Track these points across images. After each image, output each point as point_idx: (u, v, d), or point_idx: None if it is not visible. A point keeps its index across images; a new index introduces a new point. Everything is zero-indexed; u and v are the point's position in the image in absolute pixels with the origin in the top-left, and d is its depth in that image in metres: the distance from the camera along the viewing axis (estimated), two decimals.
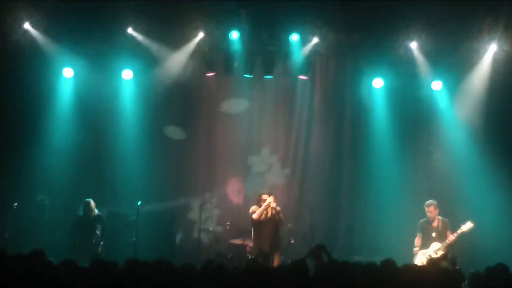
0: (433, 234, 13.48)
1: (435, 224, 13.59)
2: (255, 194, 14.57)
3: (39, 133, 15.62)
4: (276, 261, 13.06)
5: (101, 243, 14.07)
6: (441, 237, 13.35)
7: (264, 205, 13.39)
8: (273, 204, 13.38)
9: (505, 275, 8.11)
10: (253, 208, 13.65)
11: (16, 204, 14.09)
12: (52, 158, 15.54)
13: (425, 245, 13.41)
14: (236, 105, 16.92)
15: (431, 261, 11.64)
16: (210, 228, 15.84)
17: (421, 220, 13.77)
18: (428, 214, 13.67)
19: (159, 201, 16.13)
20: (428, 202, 13.79)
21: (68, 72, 15.74)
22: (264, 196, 13.59)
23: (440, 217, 13.64)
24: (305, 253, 9.53)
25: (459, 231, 13.01)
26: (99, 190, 15.65)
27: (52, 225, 14.80)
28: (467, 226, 12.98)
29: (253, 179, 16.66)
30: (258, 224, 13.46)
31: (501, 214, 14.87)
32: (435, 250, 13.11)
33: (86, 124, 15.96)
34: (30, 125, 15.57)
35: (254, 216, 13.43)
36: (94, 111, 15.95)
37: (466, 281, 8.47)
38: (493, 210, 14.81)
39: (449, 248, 12.87)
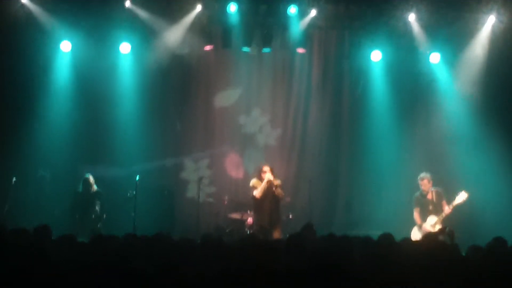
0: (430, 207, 13.49)
1: (429, 196, 13.55)
2: (254, 169, 14.63)
3: (37, 107, 15.57)
4: (276, 237, 12.98)
5: (103, 217, 14.17)
6: (437, 209, 13.34)
7: (264, 182, 13.37)
8: (271, 178, 13.39)
9: (504, 249, 8.13)
10: (253, 181, 13.59)
11: (14, 178, 14.07)
12: (50, 132, 15.48)
13: (423, 219, 13.45)
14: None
15: (429, 235, 11.68)
16: (211, 199, 15.93)
17: (415, 194, 13.71)
18: (422, 187, 13.62)
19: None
20: (422, 175, 13.73)
21: (65, 46, 15.66)
22: (265, 168, 13.54)
23: (433, 189, 13.63)
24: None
25: (454, 203, 13.02)
26: (98, 161, 15.71)
27: (52, 200, 14.81)
28: (461, 197, 12.95)
29: (251, 151, 16.68)
30: (259, 200, 13.47)
31: (499, 186, 14.90)
32: (432, 224, 13.14)
33: (84, 97, 15.88)
34: (28, 99, 15.51)
35: (256, 194, 13.37)
36: (92, 85, 15.83)
37: (464, 255, 8.49)
38: (492, 182, 14.83)
39: (446, 221, 12.89)
